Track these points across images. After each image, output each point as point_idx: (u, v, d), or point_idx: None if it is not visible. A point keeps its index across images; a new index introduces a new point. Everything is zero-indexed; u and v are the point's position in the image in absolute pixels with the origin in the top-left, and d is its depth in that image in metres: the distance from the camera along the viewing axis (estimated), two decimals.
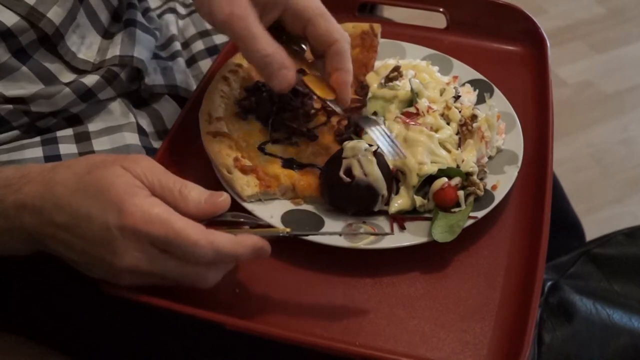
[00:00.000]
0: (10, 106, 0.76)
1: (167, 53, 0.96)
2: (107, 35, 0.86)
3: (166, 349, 0.76)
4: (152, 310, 0.66)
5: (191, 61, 0.97)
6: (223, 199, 0.65)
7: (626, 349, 0.85)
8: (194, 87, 0.93)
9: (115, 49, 0.84)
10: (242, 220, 0.66)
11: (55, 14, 0.77)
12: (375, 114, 0.81)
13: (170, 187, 0.63)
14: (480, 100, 0.86)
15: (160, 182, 0.63)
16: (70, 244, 0.62)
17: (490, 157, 0.80)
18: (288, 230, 0.67)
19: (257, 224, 0.67)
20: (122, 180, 0.61)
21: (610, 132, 2.05)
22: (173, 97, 0.91)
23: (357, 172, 0.71)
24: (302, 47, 0.79)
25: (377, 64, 0.90)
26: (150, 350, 0.76)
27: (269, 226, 0.69)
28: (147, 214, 0.60)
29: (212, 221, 0.64)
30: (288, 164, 0.78)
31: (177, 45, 0.96)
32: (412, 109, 0.79)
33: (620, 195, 1.88)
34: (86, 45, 0.82)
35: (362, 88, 0.86)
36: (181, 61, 0.95)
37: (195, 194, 0.64)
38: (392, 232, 0.72)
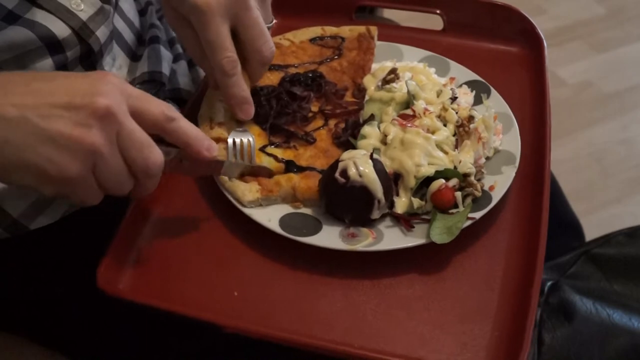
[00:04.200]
0: None
1: (172, 54, 0.96)
2: (135, 57, 0.89)
3: (165, 350, 0.76)
4: (151, 312, 0.66)
5: (188, 66, 0.97)
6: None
7: (626, 349, 0.85)
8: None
9: (143, 66, 0.87)
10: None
11: (102, 33, 0.79)
12: (372, 116, 0.81)
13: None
14: (477, 101, 0.86)
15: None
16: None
17: (487, 158, 0.80)
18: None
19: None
20: None
21: (610, 132, 2.05)
22: (175, 100, 0.91)
23: (351, 172, 0.71)
24: None
25: (374, 66, 0.90)
26: (149, 351, 0.76)
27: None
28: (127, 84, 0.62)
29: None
30: (287, 167, 0.78)
31: (179, 48, 0.97)
32: (409, 111, 0.79)
33: (620, 195, 1.87)
34: (116, 67, 0.85)
35: (359, 91, 0.86)
36: (184, 64, 0.95)
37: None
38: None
